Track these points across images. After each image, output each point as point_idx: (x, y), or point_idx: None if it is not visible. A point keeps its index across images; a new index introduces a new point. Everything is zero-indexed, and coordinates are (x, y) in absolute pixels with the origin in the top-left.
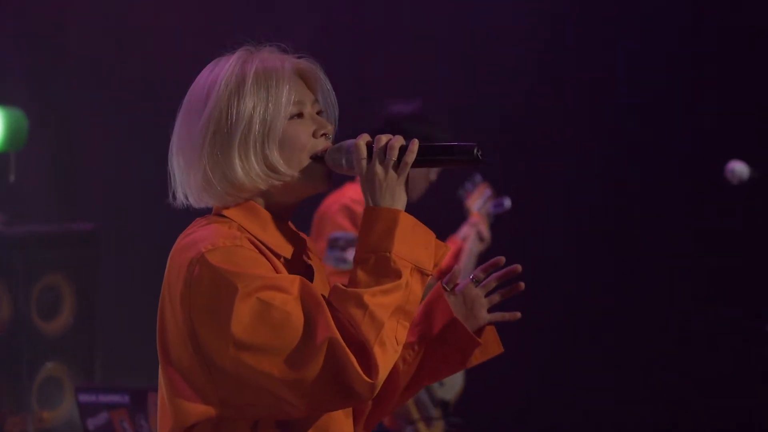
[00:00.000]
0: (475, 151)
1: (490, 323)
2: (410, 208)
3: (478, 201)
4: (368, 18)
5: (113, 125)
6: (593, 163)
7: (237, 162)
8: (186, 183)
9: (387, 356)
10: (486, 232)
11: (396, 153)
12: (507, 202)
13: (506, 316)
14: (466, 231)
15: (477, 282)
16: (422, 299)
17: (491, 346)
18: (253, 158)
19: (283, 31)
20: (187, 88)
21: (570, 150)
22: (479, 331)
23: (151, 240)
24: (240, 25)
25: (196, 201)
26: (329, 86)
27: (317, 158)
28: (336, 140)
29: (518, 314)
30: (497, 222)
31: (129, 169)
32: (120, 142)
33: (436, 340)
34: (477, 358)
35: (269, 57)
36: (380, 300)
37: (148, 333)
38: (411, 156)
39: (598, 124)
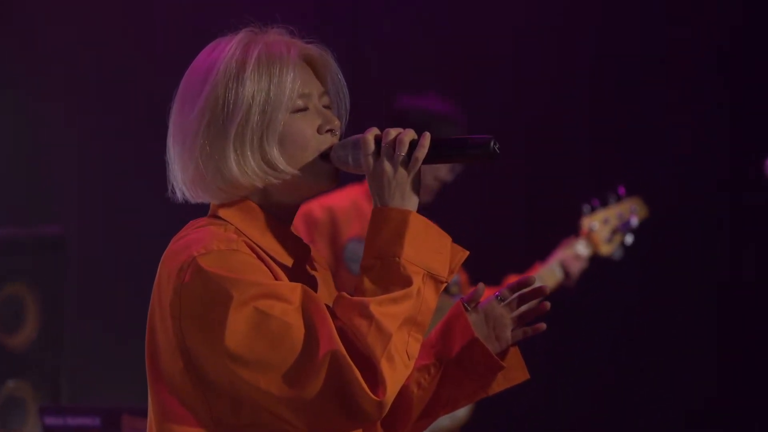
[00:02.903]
0: (492, 144)
1: (513, 344)
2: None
3: (601, 226)
4: (367, 6)
5: (81, 120)
6: (604, 166)
7: (232, 156)
8: (180, 175)
9: (396, 371)
10: (576, 267)
11: (406, 148)
12: (633, 221)
13: (529, 331)
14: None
15: (502, 300)
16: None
17: (515, 372)
18: (249, 153)
19: (275, 19)
20: (159, 86)
21: (580, 151)
22: (502, 354)
23: (125, 245)
24: (223, 16)
25: (191, 196)
26: (340, 76)
27: (323, 155)
28: (344, 137)
29: (543, 326)
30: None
31: (100, 168)
32: (90, 137)
33: (455, 362)
34: (500, 384)
35: (275, 41)
36: (388, 309)
37: (122, 348)
38: (422, 151)
39: (614, 120)
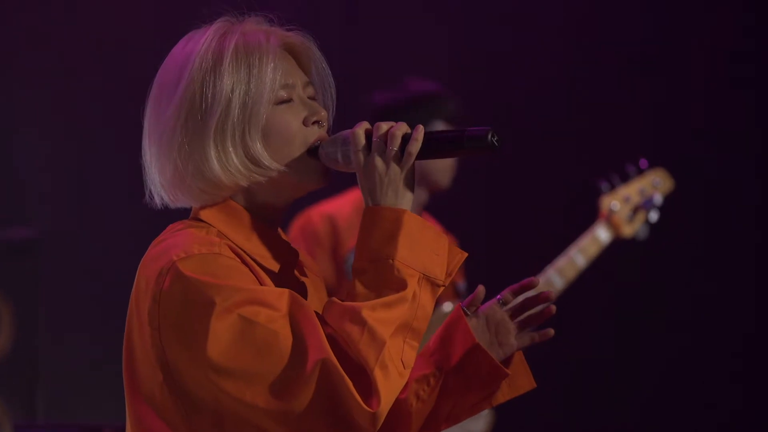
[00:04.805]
0: (490, 136)
1: (518, 350)
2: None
3: (622, 205)
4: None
5: (55, 118)
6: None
7: (212, 154)
8: (157, 178)
9: (390, 381)
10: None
11: (398, 142)
12: (657, 198)
13: (536, 337)
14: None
15: (504, 304)
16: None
17: (521, 380)
18: (231, 149)
19: (262, 6)
20: (137, 81)
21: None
22: (506, 361)
23: (104, 249)
24: (213, 14)
25: (170, 199)
26: (325, 65)
27: (311, 152)
28: (332, 131)
29: (551, 332)
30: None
31: (76, 167)
32: (65, 135)
33: (456, 371)
34: (504, 394)
35: (253, 30)
36: (381, 315)
37: (101, 361)
38: (415, 145)
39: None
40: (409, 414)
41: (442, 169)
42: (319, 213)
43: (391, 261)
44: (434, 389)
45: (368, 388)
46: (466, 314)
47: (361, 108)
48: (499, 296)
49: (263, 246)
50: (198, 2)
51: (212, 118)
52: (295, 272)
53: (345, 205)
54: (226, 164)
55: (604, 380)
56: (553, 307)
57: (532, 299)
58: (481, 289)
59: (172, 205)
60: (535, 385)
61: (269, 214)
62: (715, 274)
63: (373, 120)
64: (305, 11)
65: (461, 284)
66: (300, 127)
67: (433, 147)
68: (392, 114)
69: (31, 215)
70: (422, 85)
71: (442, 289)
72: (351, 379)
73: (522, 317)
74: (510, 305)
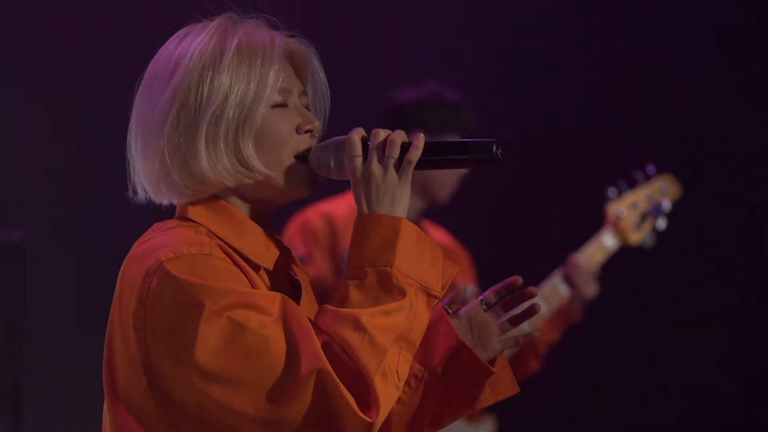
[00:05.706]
0: (494, 148)
1: (501, 352)
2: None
3: (629, 211)
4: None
5: (43, 116)
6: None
7: (202, 149)
8: (142, 171)
9: (388, 390)
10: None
11: (397, 150)
12: (665, 204)
13: (521, 339)
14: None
15: (487, 305)
16: None
17: (504, 383)
18: (222, 147)
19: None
20: (120, 82)
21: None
22: (489, 364)
23: (93, 252)
24: (203, 13)
25: (155, 194)
26: (323, 76)
27: (300, 158)
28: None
29: (536, 334)
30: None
31: (64, 166)
32: (54, 133)
33: (438, 371)
34: (487, 397)
35: (256, 31)
36: (381, 322)
37: (90, 368)
38: (415, 153)
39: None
40: (390, 419)
41: (445, 183)
42: (317, 212)
43: (389, 269)
44: (416, 391)
45: (367, 398)
46: (448, 313)
47: (360, 113)
48: (481, 297)
49: (255, 244)
50: (198, 3)
51: (206, 113)
52: (289, 272)
53: (342, 205)
54: (215, 162)
55: (608, 388)
56: (538, 306)
57: (515, 299)
58: (462, 287)
59: (156, 200)
60: (518, 389)
61: (259, 212)
62: (722, 282)
63: (388, 118)
64: (304, 10)
65: (470, 287)
66: (292, 133)
67: (432, 157)
68: (408, 114)
69: (18, 217)
70: (444, 91)
71: (437, 302)
72: (348, 388)
73: (505, 317)
74: (491, 306)
